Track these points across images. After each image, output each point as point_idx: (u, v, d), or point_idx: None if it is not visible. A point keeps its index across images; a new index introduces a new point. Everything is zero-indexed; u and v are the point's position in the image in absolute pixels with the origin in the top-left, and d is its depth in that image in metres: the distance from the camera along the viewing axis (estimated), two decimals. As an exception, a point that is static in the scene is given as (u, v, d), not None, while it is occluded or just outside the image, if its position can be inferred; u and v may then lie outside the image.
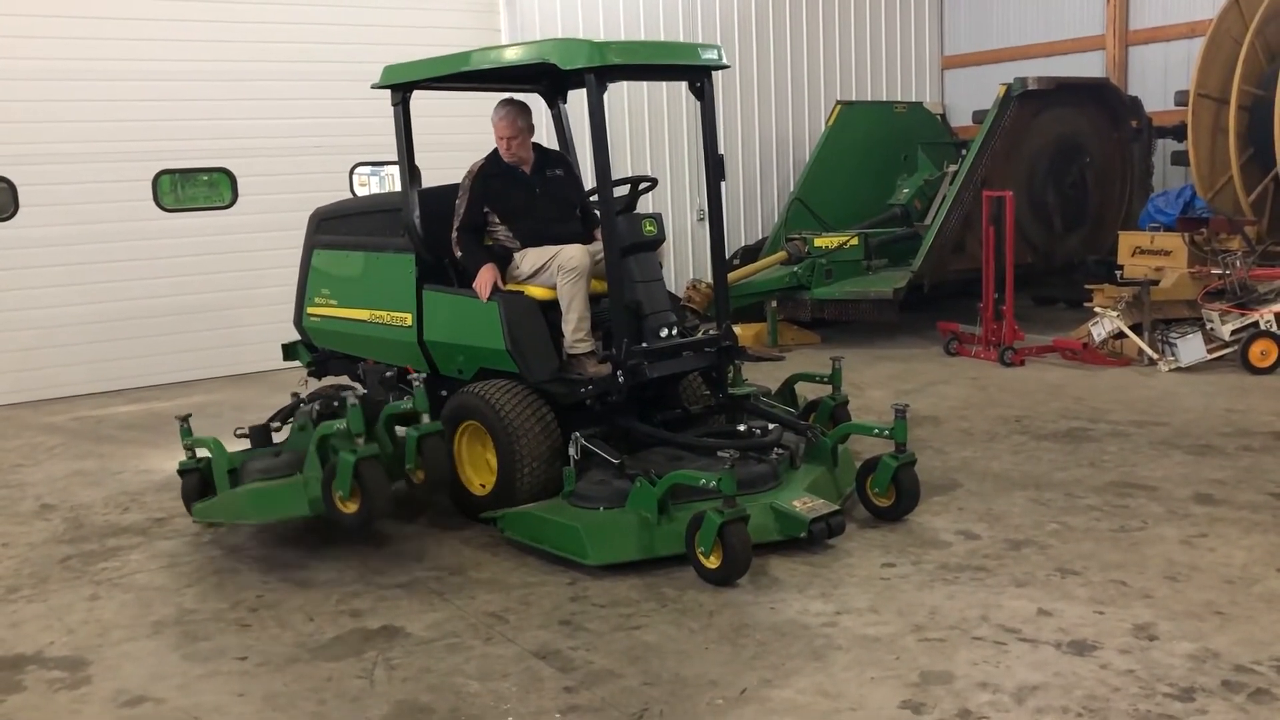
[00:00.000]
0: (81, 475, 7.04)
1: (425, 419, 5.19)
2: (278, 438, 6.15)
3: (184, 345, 9.91)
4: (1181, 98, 10.87)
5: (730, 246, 11.70)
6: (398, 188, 6.28)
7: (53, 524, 6.02)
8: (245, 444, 6.03)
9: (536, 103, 6.40)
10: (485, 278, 5.72)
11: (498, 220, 5.94)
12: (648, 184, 6.17)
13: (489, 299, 5.68)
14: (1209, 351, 8.65)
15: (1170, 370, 8.60)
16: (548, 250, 5.72)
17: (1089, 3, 13.03)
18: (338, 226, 6.77)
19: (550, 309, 5.69)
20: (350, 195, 10.35)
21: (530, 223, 5.91)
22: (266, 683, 3.97)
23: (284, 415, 6.24)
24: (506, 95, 6.14)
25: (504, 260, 5.89)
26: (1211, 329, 8.79)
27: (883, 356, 9.93)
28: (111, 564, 5.32)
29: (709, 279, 10.69)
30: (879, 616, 4.28)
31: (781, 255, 11.00)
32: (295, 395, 6.23)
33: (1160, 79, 12.38)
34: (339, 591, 4.82)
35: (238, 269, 10.18)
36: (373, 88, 6.26)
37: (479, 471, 5.70)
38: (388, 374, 5.89)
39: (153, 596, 4.87)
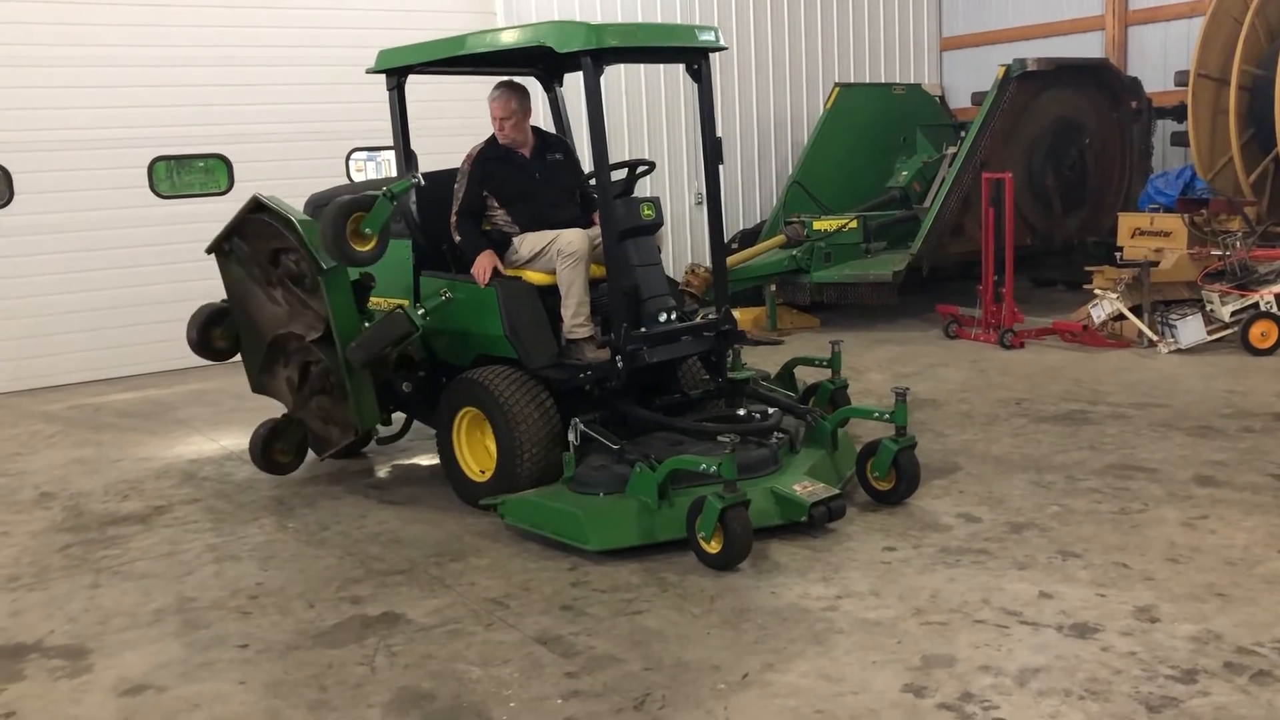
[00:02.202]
0: (80, 463, 7.03)
1: (420, 312, 5.51)
2: None
3: (181, 333, 9.81)
4: (1181, 78, 10.82)
5: (729, 230, 11.68)
6: (394, 173, 6.23)
7: (52, 512, 6.01)
8: None
9: (534, 86, 6.36)
10: (483, 263, 5.69)
11: (496, 205, 5.91)
12: (645, 167, 6.14)
13: (487, 284, 5.65)
14: (1209, 333, 8.63)
15: (1170, 352, 8.59)
16: (546, 235, 5.69)
17: (1088, -17, 12.99)
18: (334, 213, 6.73)
19: (549, 294, 5.67)
20: (346, 180, 10.30)
21: (529, 207, 5.88)
22: (268, 670, 3.96)
23: None
24: (504, 78, 6.10)
25: (502, 245, 5.86)
26: (1211, 310, 8.78)
27: (882, 340, 9.92)
28: (111, 552, 5.31)
29: (708, 263, 10.64)
30: (880, 600, 4.27)
31: (780, 239, 10.97)
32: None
33: (1160, 59, 12.33)
34: (339, 578, 4.82)
35: (235, 256, 10.13)
36: (368, 72, 6.22)
37: (478, 458, 5.69)
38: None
39: (153, 584, 4.86)
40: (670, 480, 4.89)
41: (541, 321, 5.63)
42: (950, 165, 11.04)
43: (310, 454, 6.48)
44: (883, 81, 13.97)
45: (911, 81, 14.04)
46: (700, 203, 12.51)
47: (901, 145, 12.40)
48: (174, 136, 9.90)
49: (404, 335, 5.53)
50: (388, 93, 6.16)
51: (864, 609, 4.20)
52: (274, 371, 6.28)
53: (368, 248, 5.46)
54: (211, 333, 6.43)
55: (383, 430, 6.70)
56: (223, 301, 6.43)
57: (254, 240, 6.01)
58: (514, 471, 5.36)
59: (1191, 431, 6.41)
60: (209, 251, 6.28)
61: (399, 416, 6.63)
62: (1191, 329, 8.63)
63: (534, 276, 5.74)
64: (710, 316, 5.89)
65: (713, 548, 4.63)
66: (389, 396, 6.22)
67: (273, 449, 6.34)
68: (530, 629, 4.18)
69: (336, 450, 6.27)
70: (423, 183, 5.75)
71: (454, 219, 5.91)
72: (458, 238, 5.91)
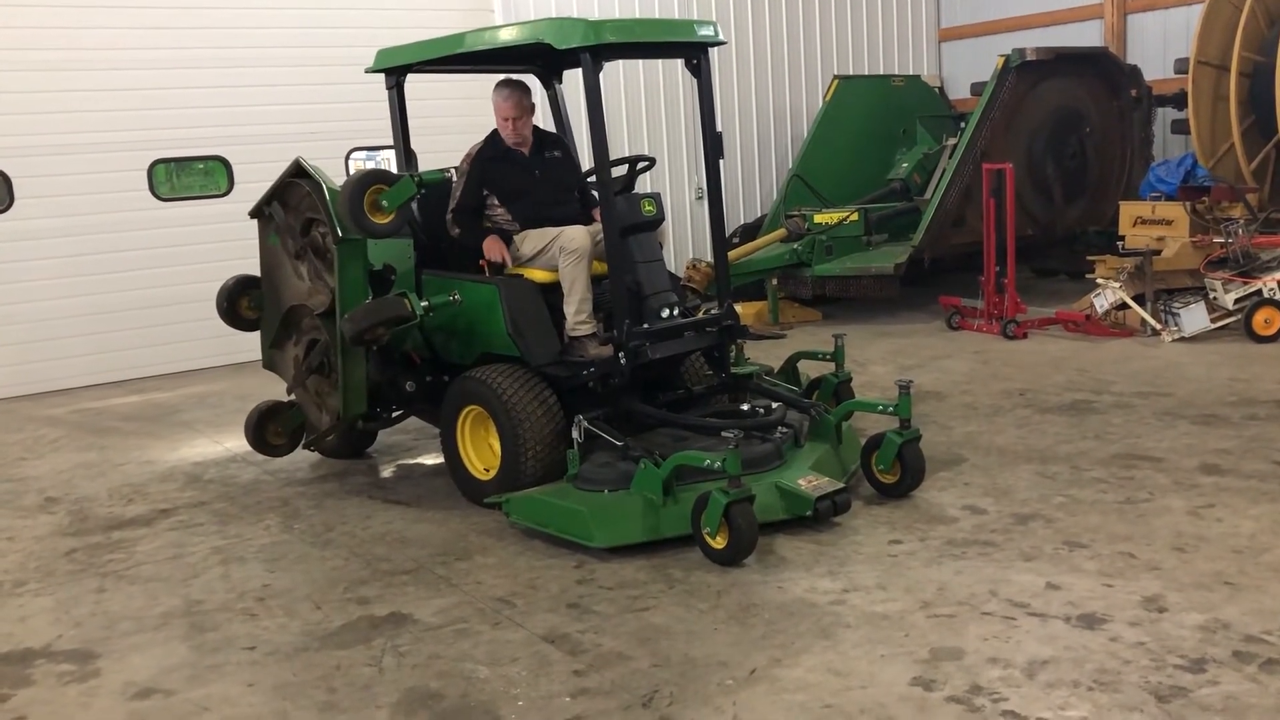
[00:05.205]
0: (84, 467, 7.03)
1: (423, 304, 5.54)
2: None
3: (183, 335, 9.88)
4: (1181, 65, 10.80)
5: (730, 225, 11.67)
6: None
7: (57, 517, 6.01)
8: None
9: (532, 84, 6.34)
10: (494, 245, 5.73)
11: (497, 203, 5.91)
12: (646, 163, 6.13)
13: (500, 266, 5.69)
14: (1212, 321, 8.62)
15: (1173, 340, 8.57)
16: (548, 232, 5.68)
17: (1086, -29, 12.96)
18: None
19: (551, 292, 5.66)
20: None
21: (528, 205, 5.88)
22: (275, 672, 3.96)
23: None
24: (506, 76, 6.09)
25: (502, 241, 5.86)
26: (1214, 298, 8.76)
27: (884, 332, 9.91)
28: (117, 556, 5.31)
29: (709, 258, 10.67)
30: (887, 594, 4.27)
31: (781, 232, 10.96)
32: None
33: (1159, 47, 12.30)
34: (346, 579, 4.82)
35: (235, 257, 10.00)
36: (367, 72, 6.22)
37: (483, 456, 5.69)
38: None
39: (159, 588, 4.86)
40: (675, 476, 4.88)
41: (544, 319, 5.63)
42: (950, 156, 11.02)
43: (317, 449, 6.51)
44: (882, 73, 13.94)
45: (910, 73, 14.02)
46: (701, 198, 12.50)
47: (901, 137, 12.39)
48: (173, 139, 9.90)
49: (398, 318, 5.51)
50: (387, 92, 6.16)
51: (871, 602, 4.19)
52: (284, 347, 6.34)
53: (384, 221, 5.46)
54: (241, 300, 6.51)
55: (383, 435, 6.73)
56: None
57: (291, 208, 6.06)
58: (518, 469, 5.36)
59: (1196, 420, 6.40)
60: (252, 215, 6.32)
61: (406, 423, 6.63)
62: (1195, 317, 8.62)
63: (536, 274, 5.73)
64: (712, 311, 5.89)
65: (718, 543, 4.63)
66: (393, 395, 6.23)
67: (267, 428, 6.39)
68: (537, 627, 4.18)
69: (320, 438, 6.27)
70: (455, 178, 5.76)
71: (449, 215, 5.92)
72: (454, 232, 5.92)
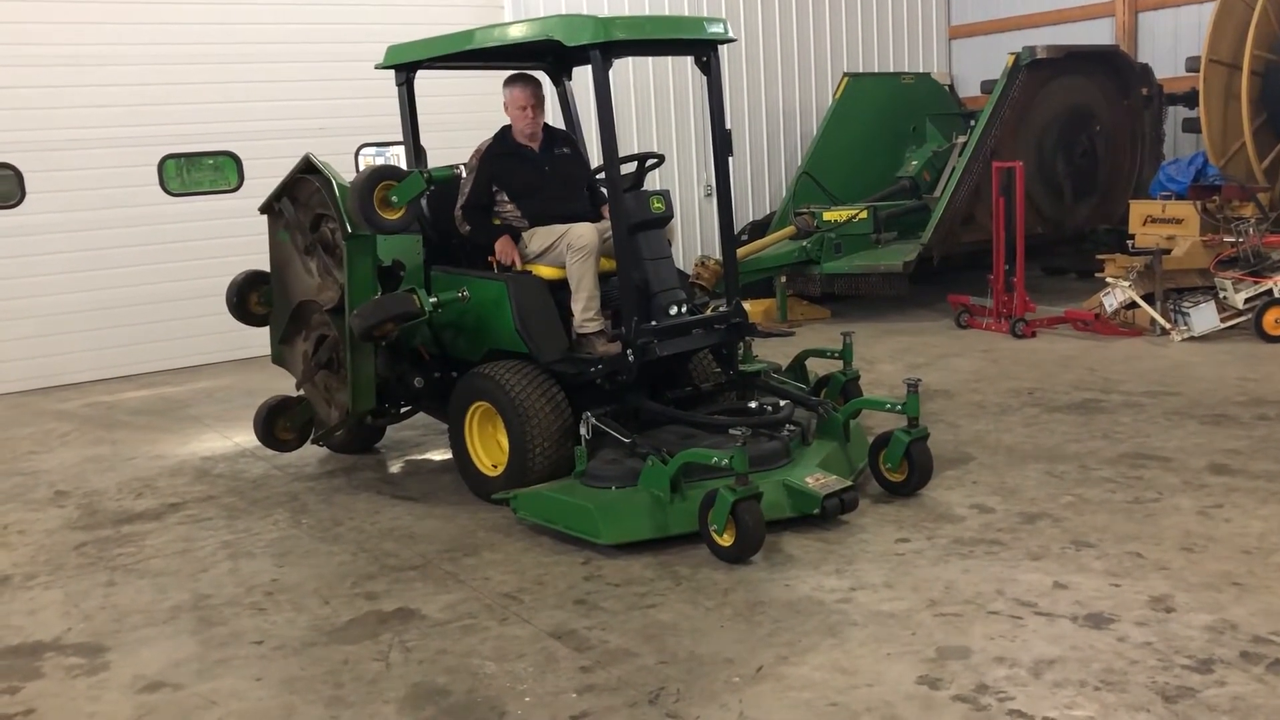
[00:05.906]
0: (94, 461, 7.06)
1: (432, 300, 5.52)
2: None
3: (193, 330, 9.91)
4: (1192, 64, 10.74)
5: (738, 222, 11.65)
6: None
7: (67, 511, 6.04)
8: None
9: (542, 80, 6.34)
10: (506, 246, 5.73)
11: (506, 199, 5.91)
12: (655, 161, 6.13)
13: (510, 265, 5.69)
14: (1222, 320, 8.59)
15: (1183, 340, 8.55)
16: (556, 229, 5.69)
17: (1098, -31, 12.92)
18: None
19: (559, 288, 5.67)
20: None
21: (538, 201, 5.89)
22: (283, 667, 3.98)
23: None
24: (516, 71, 6.08)
25: (512, 239, 5.87)
26: (1224, 297, 8.73)
27: (893, 330, 9.89)
28: (126, 550, 5.33)
29: (718, 255, 10.66)
30: (894, 592, 4.27)
31: (790, 230, 10.94)
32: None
33: (1171, 45, 12.26)
34: (353, 574, 4.83)
35: (245, 252, 10.06)
36: (377, 68, 6.23)
37: (490, 452, 5.70)
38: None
39: (168, 582, 4.89)
40: (682, 473, 4.89)
41: (552, 316, 5.64)
42: (960, 154, 11.00)
43: (326, 444, 6.52)
44: (891, 71, 13.91)
45: (920, 70, 13.99)
46: (710, 195, 12.49)
47: (911, 135, 12.37)
48: (183, 134, 9.93)
49: (406, 314, 5.52)
50: (396, 88, 6.17)
51: (877, 601, 4.19)
52: (294, 343, 6.36)
53: (394, 217, 5.48)
54: (250, 295, 6.53)
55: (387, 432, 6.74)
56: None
57: (301, 204, 6.08)
58: (526, 466, 5.37)
59: (1205, 420, 6.38)
60: (262, 211, 6.35)
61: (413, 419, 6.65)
62: (1204, 316, 8.59)
63: (544, 271, 5.74)
64: (720, 309, 5.88)
65: (725, 541, 4.63)
66: (401, 391, 6.25)
67: (276, 424, 6.42)
68: (544, 623, 4.19)
69: (328, 433, 6.29)
70: (464, 174, 5.77)
71: (458, 212, 5.93)
72: (464, 229, 5.93)
